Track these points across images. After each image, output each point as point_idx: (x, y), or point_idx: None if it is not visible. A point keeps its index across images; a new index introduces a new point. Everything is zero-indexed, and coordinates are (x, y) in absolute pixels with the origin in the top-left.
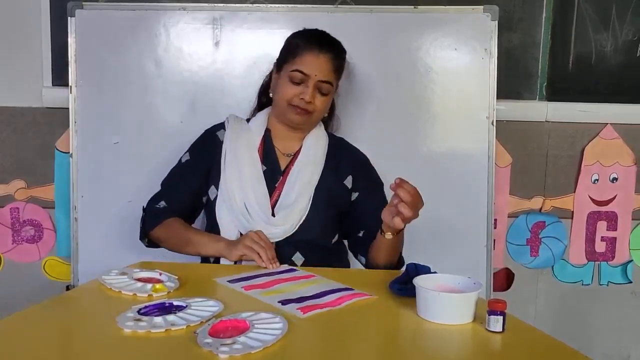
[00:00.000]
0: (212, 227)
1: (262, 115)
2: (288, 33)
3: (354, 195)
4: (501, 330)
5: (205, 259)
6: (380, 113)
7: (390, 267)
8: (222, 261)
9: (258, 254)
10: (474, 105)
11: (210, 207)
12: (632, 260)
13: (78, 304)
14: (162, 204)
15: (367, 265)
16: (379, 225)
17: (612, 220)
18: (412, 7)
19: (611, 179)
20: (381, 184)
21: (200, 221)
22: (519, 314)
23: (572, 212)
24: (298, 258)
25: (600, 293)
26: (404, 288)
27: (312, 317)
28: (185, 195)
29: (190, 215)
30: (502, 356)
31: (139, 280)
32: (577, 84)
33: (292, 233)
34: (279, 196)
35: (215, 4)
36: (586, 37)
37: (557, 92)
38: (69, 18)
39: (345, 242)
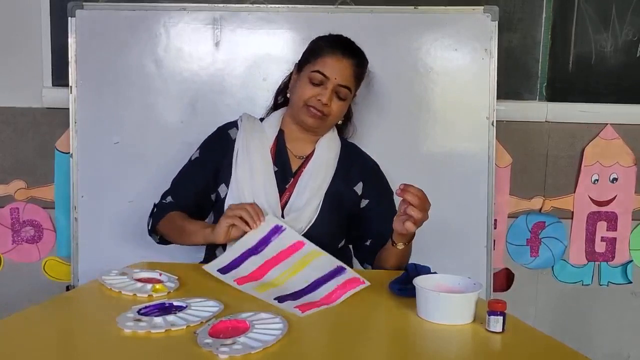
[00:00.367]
0: None
1: (277, 116)
2: (288, 33)
3: (364, 203)
4: (501, 330)
5: (207, 258)
6: (380, 113)
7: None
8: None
9: (241, 218)
10: (474, 105)
11: (219, 205)
12: (632, 261)
13: (78, 304)
14: (169, 199)
15: None
16: (386, 234)
17: (612, 220)
18: (412, 7)
19: (611, 179)
20: (391, 192)
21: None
22: (519, 314)
23: (572, 212)
24: None
25: (600, 293)
26: (403, 288)
27: (312, 317)
28: (191, 192)
29: (198, 212)
30: (502, 356)
31: (139, 280)
32: (577, 84)
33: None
34: (288, 198)
35: (216, 4)
36: (586, 37)
37: (557, 92)
38: (69, 18)
39: (351, 247)
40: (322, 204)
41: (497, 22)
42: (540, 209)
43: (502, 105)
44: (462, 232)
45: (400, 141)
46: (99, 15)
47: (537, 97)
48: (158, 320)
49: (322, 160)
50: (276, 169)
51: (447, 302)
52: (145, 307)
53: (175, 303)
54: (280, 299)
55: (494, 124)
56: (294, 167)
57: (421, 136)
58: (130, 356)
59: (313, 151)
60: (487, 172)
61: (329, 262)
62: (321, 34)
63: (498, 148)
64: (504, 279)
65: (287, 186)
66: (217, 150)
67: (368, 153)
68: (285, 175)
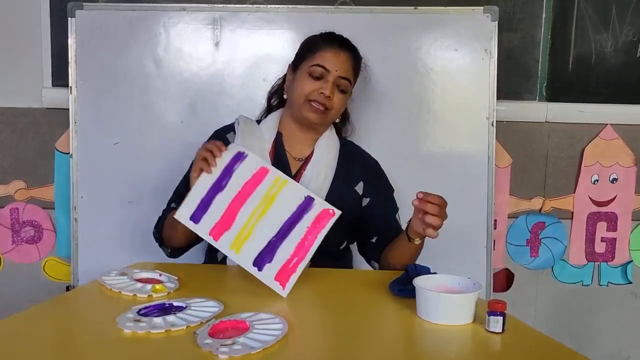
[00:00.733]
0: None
1: (274, 117)
2: (288, 34)
3: (365, 201)
4: (501, 330)
5: (207, 260)
6: (380, 113)
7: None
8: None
9: (205, 160)
10: (474, 105)
11: None
12: (632, 261)
13: (78, 304)
14: (173, 205)
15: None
16: (391, 230)
17: (612, 220)
18: (412, 7)
19: (611, 179)
20: (392, 190)
21: None
22: (518, 315)
23: (572, 212)
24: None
25: (600, 294)
26: (403, 289)
27: (312, 317)
28: None
29: None
30: (502, 357)
31: (139, 280)
32: (577, 85)
33: None
34: None
35: (215, 5)
36: (586, 37)
37: (557, 92)
38: (69, 18)
39: (354, 247)
40: None
41: (497, 22)
42: (540, 209)
43: (502, 105)
44: (462, 232)
45: (400, 141)
46: (98, 16)
47: (537, 97)
48: (158, 320)
49: (322, 161)
50: None
51: (447, 302)
52: (145, 308)
53: (175, 303)
54: (258, 261)
55: (494, 124)
56: (294, 170)
57: (421, 136)
58: (130, 356)
59: (312, 152)
60: (487, 172)
61: (296, 193)
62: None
63: (498, 148)
64: (504, 279)
65: None
66: None
67: (368, 153)
68: None
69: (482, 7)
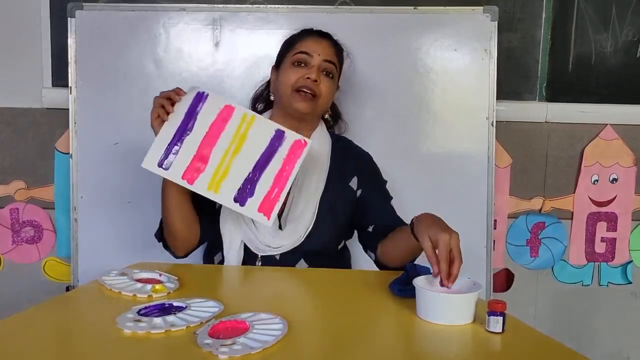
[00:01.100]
0: (216, 237)
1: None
2: (288, 33)
3: (359, 193)
4: (501, 331)
5: (206, 260)
6: (380, 113)
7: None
8: (225, 254)
9: (162, 107)
10: (474, 105)
11: (218, 213)
12: (632, 261)
13: (78, 304)
14: None
15: (377, 262)
16: (385, 218)
17: (612, 221)
18: (412, 7)
19: (611, 179)
20: (384, 181)
21: None
22: (518, 315)
23: (572, 212)
24: (302, 265)
25: (600, 294)
26: (403, 289)
27: (311, 317)
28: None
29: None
30: (502, 357)
31: (139, 281)
32: (577, 85)
33: (299, 244)
34: (284, 205)
35: (215, 5)
36: (586, 37)
37: (557, 92)
38: (68, 19)
39: (354, 247)
40: (319, 207)
41: (496, 22)
42: (540, 209)
43: (502, 105)
44: (462, 233)
45: (400, 141)
46: (98, 16)
47: (537, 98)
48: (158, 320)
49: (314, 161)
50: None
51: (447, 302)
52: (145, 308)
53: (175, 303)
54: (239, 197)
55: (494, 124)
56: None
57: (421, 136)
58: (130, 357)
59: None
60: (487, 172)
61: (266, 127)
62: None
63: (498, 148)
64: (504, 280)
65: None
66: None
67: (361, 147)
68: None
69: (481, 7)
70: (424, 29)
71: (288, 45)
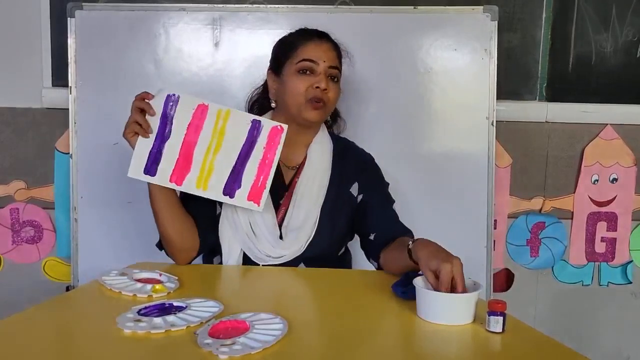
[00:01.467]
0: (215, 245)
1: None
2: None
3: (359, 197)
4: (501, 330)
5: (206, 259)
6: (380, 113)
7: None
8: (224, 257)
9: (136, 122)
10: (474, 105)
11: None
12: (632, 261)
13: (78, 304)
14: None
15: (379, 269)
16: (386, 225)
17: (612, 220)
18: (412, 7)
19: (611, 179)
20: (386, 184)
21: None
22: (518, 315)
23: (572, 212)
24: (302, 268)
25: (600, 294)
26: (406, 291)
27: (312, 317)
28: (192, 210)
29: (205, 224)
30: (502, 357)
31: (139, 281)
32: (577, 85)
33: (300, 253)
34: (285, 213)
35: (215, 5)
36: (586, 37)
37: (557, 92)
38: (68, 19)
39: (353, 247)
40: (320, 215)
41: (496, 22)
42: (540, 209)
43: (502, 105)
44: (462, 232)
45: (400, 141)
46: (98, 16)
47: (537, 98)
48: (158, 320)
49: (315, 168)
50: None
51: (447, 302)
52: (145, 308)
53: (175, 303)
54: (228, 190)
55: (494, 124)
56: (287, 179)
57: (421, 136)
58: (130, 356)
59: (305, 158)
60: (487, 172)
61: (242, 119)
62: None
63: (498, 148)
64: (504, 279)
65: (281, 201)
66: None
67: (362, 148)
68: (278, 189)
69: (481, 7)
70: (424, 28)
71: (287, 50)
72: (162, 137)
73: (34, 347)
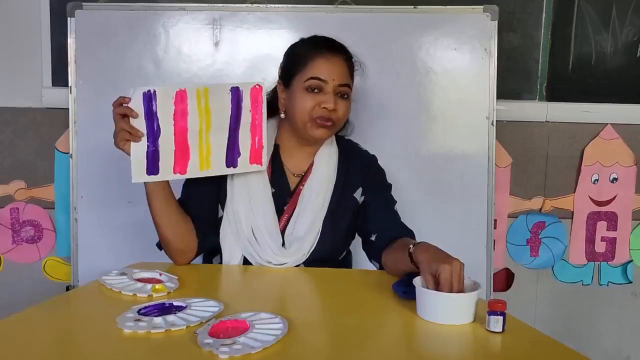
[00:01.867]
0: (215, 249)
1: (270, 128)
2: (288, 33)
3: (361, 199)
4: (501, 330)
5: (205, 259)
6: (380, 113)
7: None
8: (224, 261)
9: (123, 129)
10: (474, 105)
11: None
12: (632, 261)
13: (78, 304)
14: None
15: (381, 269)
16: (388, 226)
17: (612, 220)
18: (412, 7)
19: (611, 179)
20: (388, 186)
21: None
22: (519, 315)
23: (572, 212)
24: (302, 267)
25: (600, 293)
26: (408, 291)
27: (312, 317)
28: (194, 214)
29: (207, 225)
30: (502, 356)
31: (139, 280)
32: (577, 85)
33: (302, 261)
34: (287, 220)
35: (215, 4)
36: (586, 37)
37: (557, 92)
38: (68, 18)
39: (354, 247)
40: (323, 223)
41: (496, 21)
42: (540, 209)
43: (502, 105)
44: (462, 232)
45: (400, 141)
46: (98, 16)
47: (537, 97)
48: (158, 320)
49: (321, 177)
50: (273, 190)
51: (447, 302)
52: (145, 307)
53: (175, 303)
54: (230, 162)
55: (494, 124)
56: (292, 186)
57: (421, 136)
58: (130, 356)
59: (310, 166)
60: (487, 172)
61: (222, 91)
62: (320, 34)
63: (498, 148)
64: (504, 279)
65: (285, 208)
66: None
67: (365, 150)
68: (283, 195)
69: (482, 7)
70: (424, 28)
71: (296, 63)
72: (153, 134)
73: (34, 347)
